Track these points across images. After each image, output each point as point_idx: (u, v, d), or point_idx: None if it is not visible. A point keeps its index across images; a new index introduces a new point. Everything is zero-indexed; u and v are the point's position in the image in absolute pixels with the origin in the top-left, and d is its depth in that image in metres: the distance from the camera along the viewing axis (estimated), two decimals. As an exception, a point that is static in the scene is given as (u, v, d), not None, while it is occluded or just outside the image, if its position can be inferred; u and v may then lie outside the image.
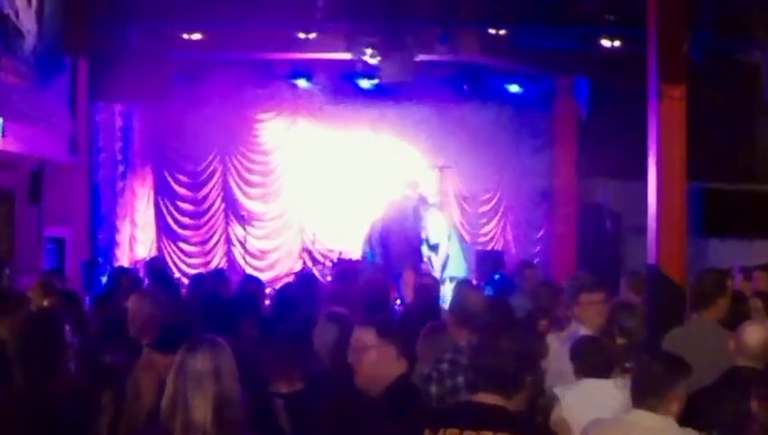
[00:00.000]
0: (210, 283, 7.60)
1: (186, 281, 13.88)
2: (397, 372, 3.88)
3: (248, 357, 4.72)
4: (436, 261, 12.38)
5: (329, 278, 11.62)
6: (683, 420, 3.82)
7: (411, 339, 5.22)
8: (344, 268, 10.80)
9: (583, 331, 5.41)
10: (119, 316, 5.73)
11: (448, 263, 12.46)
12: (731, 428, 4.02)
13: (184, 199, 15.22)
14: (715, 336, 5.09)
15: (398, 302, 9.73)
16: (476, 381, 3.29)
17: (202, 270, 13.49)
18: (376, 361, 3.86)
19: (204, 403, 3.27)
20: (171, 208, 15.11)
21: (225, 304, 6.26)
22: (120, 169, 14.05)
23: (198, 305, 6.17)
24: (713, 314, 5.40)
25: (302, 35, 12.52)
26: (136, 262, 13.78)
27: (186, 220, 15.20)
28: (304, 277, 8.51)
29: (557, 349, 5.31)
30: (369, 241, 12.23)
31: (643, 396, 3.74)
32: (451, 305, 5.04)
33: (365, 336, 3.95)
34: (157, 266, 9.10)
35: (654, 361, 3.85)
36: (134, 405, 4.26)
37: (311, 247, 15.03)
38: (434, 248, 12.38)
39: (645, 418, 3.71)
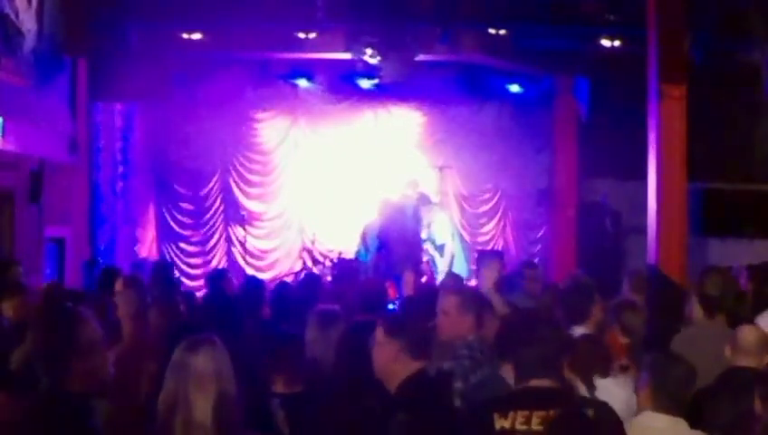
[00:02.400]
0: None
1: (186, 281, 14.00)
2: (407, 369, 3.92)
3: (250, 356, 4.74)
4: (442, 262, 12.37)
5: (329, 278, 11.61)
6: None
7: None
8: (343, 268, 10.79)
9: (581, 330, 5.40)
10: (113, 316, 5.76)
11: (454, 263, 12.44)
12: (732, 428, 4.02)
13: (184, 199, 15.21)
14: (726, 338, 5.09)
15: (396, 302, 9.71)
16: (527, 370, 3.56)
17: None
18: (382, 357, 3.98)
19: (205, 403, 3.27)
20: (171, 208, 15.11)
21: (230, 303, 6.28)
22: (120, 169, 14.03)
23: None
24: (724, 315, 5.42)
25: (302, 35, 12.53)
26: (136, 262, 13.77)
27: (186, 220, 15.20)
28: (307, 278, 8.48)
29: None
30: (363, 240, 12.24)
31: (662, 399, 3.76)
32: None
33: (376, 333, 4.11)
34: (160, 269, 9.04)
35: (675, 365, 3.88)
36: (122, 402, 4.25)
37: (311, 247, 15.03)
38: (439, 249, 12.38)
39: (658, 419, 3.73)
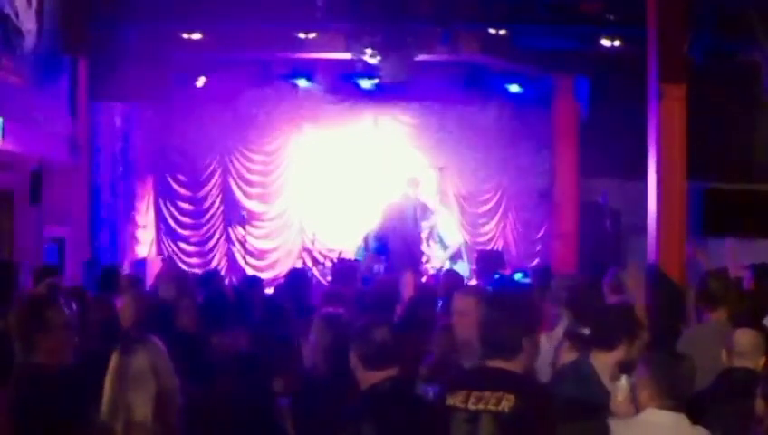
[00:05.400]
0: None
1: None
2: (366, 379, 3.91)
3: (249, 357, 4.75)
4: (446, 261, 12.39)
5: (329, 278, 11.62)
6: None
7: (413, 337, 5.25)
8: (342, 268, 10.79)
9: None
10: (113, 316, 5.78)
11: (455, 262, 12.46)
12: (731, 429, 4.03)
13: (184, 199, 15.22)
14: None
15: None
16: (484, 350, 3.71)
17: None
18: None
19: (145, 402, 3.35)
20: (171, 208, 15.12)
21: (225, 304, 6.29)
22: (120, 168, 14.04)
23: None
24: (726, 314, 5.44)
25: (302, 35, 12.53)
26: (136, 262, 13.77)
27: (186, 220, 15.20)
28: (295, 277, 8.37)
29: (548, 349, 5.28)
30: (365, 239, 12.27)
31: (665, 397, 3.77)
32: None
33: None
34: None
35: (676, 363, 3.89)
36: None
37: (311, 247, 15.03)
38: (446, 249, 12.42)
39: (659, 416, 3.76)
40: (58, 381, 3.80)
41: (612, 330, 4.39)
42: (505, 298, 4.04)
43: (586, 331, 4.82)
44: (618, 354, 4.30)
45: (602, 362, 4.28)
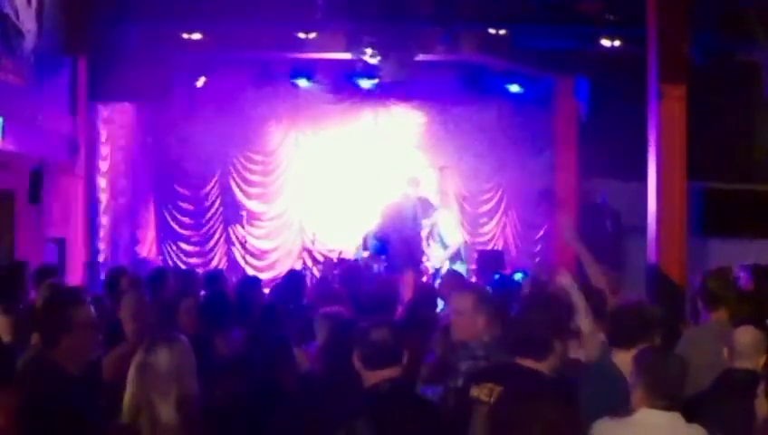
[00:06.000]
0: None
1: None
2: (368, 379, 3.88)
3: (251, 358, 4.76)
4: (446, 261, 12.41)
5: (331, 279, 11.61)
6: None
7: (413, 337, 5.24)
8: (348, 269, 10.79)
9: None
10: (117, 317, 5.80)
11: (456, 261, 12.47)
12: (731, 429, 4.03)
13: (184, 199, 15.22)
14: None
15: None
16: (515, 348, 3.81)
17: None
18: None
19: (169, 402, 3.33)
20: (171, 208, 15.12)
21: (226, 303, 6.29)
22: (121, 168, 14.04)
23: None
24: (726, 314, 5.44)
25: (302, 35, 12.54)
26: (137, 262, 13.77)
27: (186, 220, 15.20)
28: (292, 278, 8.35)
29: None
30: (365, 239, 12.28)
31: (658, 397, 3.77)
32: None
33: None
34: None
35: (671, 363, 3.90)
36: None
37: (311, 247, 15.03)
38: (446, 248, 12.43)
39: (654, 416, 3.76)
40: (74, 381, 3.77)
41: (629, 329, 4.42)
42: (541, 299, 4.07)
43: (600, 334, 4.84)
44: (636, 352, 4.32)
45: (622, 359, 4.31)
